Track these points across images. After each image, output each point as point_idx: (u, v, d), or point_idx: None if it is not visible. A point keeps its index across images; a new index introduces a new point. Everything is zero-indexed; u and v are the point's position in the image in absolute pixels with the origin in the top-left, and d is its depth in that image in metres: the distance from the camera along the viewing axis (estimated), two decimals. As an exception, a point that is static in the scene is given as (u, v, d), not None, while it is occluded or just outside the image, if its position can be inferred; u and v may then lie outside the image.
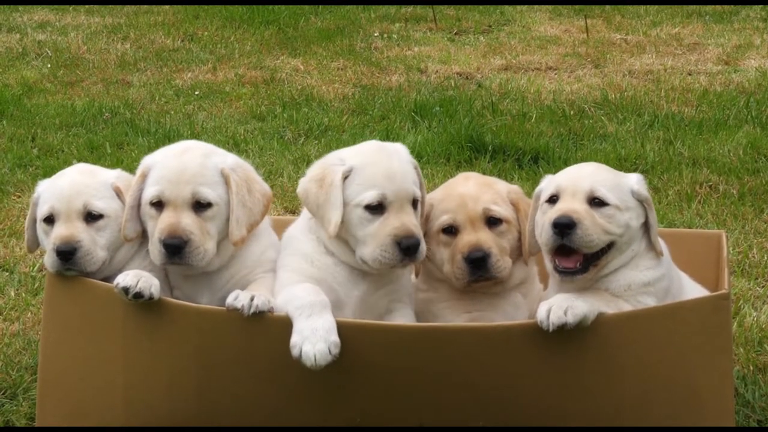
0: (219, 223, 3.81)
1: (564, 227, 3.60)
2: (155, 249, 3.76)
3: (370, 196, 3.72)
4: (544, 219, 3.70)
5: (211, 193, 3.78)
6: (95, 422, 3.80)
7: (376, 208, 3.73)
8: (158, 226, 3.75)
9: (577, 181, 3.71)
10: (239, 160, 3.92)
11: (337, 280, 3.79)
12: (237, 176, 3.83)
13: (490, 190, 3.97)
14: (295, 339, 3.50)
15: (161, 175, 3.78)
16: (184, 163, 3.79)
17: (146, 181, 3.82)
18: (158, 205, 3.78)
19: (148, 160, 3.87)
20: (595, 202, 3.68)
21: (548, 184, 3.81)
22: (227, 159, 3.88)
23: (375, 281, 3.82)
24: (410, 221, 3.72)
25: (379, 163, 3.77)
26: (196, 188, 3.76)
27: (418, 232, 3.73)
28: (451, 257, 3.90)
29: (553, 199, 3.73)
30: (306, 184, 3.81)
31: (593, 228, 3.63)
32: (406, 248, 3.68)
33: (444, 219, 3.93)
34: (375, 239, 3.71)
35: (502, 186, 4.04)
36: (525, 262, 3.99)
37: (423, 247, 3.74)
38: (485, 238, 3.88)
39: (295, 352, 3.48)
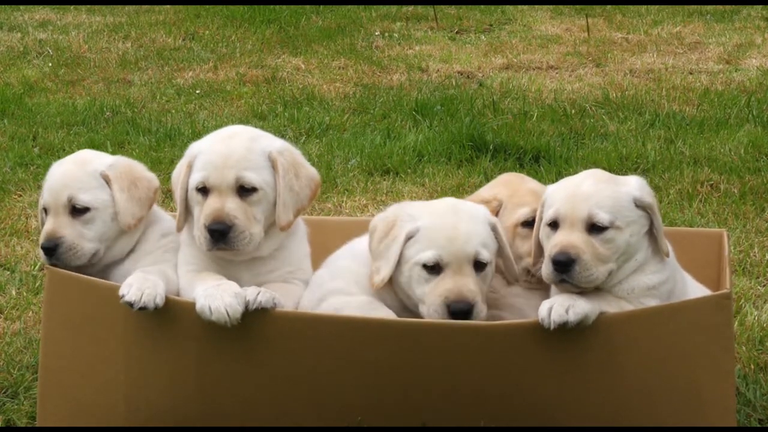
0: (265, 208, 3.80)
1: (563, 265, 3.56)
2: (201, 235, 3.74)
3: (426, 256, 3.67)
4: (547, 246, 3.65)
5: (255, 177, 3.77)
6: (96, 421, 3.80)
7: (433, 268, 3.68)
8: (203, 211, 3.74)
9: (576, 207, 3.61)
10: (287, 144, 3.91)
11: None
12: (284, 160, 3.82)
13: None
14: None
15: (207, 161, 3.78)
16: (229, 148, 3.78)
17: (192, 167, 3.81)
18: (203, 190, 3.78)
19: (194, 148, 3.87)
20: (595, 228, 3.61)
21: (550, 200, 3.71)
22: (275, 143, 3.87)
23: None
24: (464, 285, 3.65)
25: (444, 224, 3.70)
26: (240, 173, 3.75)
27: (473, 296, 3.63)
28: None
29: (553, 225, 3.67)
30: (375, 222, 3.81)
31: (593, 261, 3.57)
32: (454, 313, 3.61)
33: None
34: (428, 298, 3.66)
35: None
36: None
37: (476, 311, 3.63)
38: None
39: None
